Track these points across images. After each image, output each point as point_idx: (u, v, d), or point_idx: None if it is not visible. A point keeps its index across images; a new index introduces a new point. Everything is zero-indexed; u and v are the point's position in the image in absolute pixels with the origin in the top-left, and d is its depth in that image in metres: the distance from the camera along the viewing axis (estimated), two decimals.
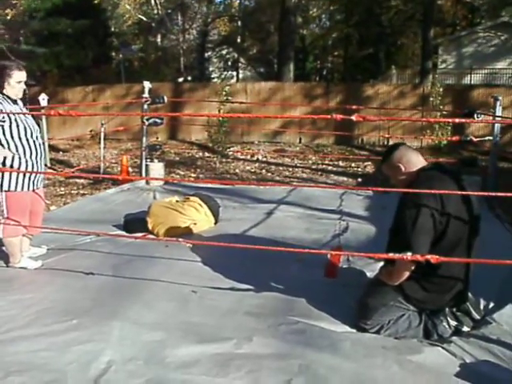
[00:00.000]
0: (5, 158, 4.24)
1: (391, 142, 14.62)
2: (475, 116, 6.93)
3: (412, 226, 3.07)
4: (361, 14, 29.92)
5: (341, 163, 11.97)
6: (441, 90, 13.63)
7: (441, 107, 13.18)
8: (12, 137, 4.24)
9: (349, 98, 14.68)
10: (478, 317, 3.48)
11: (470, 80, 24.44)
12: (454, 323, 3.35)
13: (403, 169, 3.34)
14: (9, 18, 23.48)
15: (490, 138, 7.30)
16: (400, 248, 3.04)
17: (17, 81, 4.29)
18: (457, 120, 3.38)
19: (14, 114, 4.21)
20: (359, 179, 10.12)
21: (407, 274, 3.16)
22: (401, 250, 3.00)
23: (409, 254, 2.97)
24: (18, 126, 4.25)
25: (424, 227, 3.07)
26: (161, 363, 2.98)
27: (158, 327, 3.41)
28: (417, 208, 3.08)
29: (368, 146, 14.48)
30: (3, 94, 4.27)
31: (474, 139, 7.85)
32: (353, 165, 11.70)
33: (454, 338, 3.26)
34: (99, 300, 3.84)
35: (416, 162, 3.34)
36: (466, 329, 3.36)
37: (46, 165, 8.45)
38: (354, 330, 3.40)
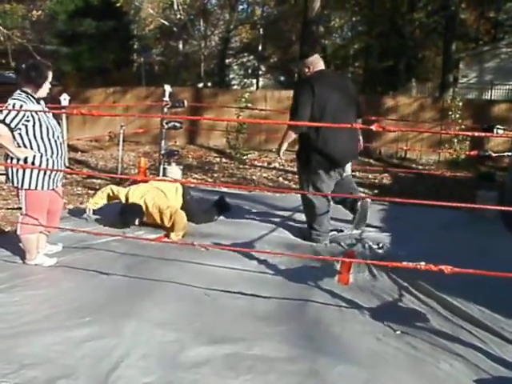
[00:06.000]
0: (26, 157, 4.30)
1: (409, 155, 14.59)
2: (495, 131, 6.90)
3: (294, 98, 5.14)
4: (383, 25, 29.88)
5: (358, 174, 11.93)
6: (460, 104, 13.56)
7: (460, 121, 13.11)
8: (35, 136, 4.30)
9: (368, 109, 14.55)
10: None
11: (491, 95, 24.24)
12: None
13: (310, 69, 5.29)
14: (34, 19, 23.91)
15: (509, 153, 7.26)
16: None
17: (49, 81, 4.46)
18: (476, 134, 3.37)
19: (37, 113, 4.27)
20: (375, 191, 10.08)
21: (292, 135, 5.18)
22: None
23: (422, 263, 3.03)
24: (41, 125, 4.31)
25: (300, 99, 5.05)
26: (172, 362, 3.02)
27: (171, 327, 3.44)
28: (296, 90, 5.26)
29: (386, 158, 14.41)
30: (27, 93, 4.33)
31: (493, 154, 7.80)
32: (370, 176, 11.66)
33: (469, 350, 3.26)
34: (112, 299, 3.88)
35: (317, 68, 5.29)
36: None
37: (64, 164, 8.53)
38: (367, 337, 3.39)
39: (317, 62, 5.31)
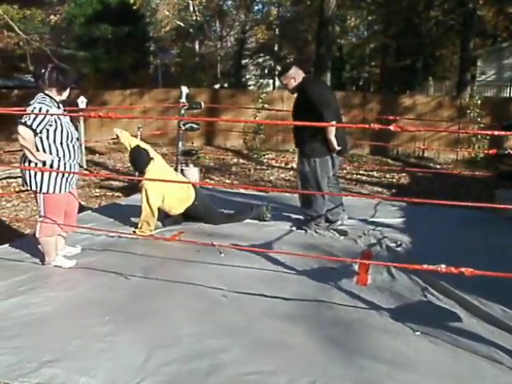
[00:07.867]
0: (45, 162, 4.33)
1: (427, 154, 14.49)
2: None
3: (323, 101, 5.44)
4: (399, 24, 29.70)
5: (375, 174, 11.89)
6: (479, 102, 13.44)
7: (478, 119, 12.99)
8: (54, 141, 4.32)
9: (386, 109, 14.55)
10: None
11: (510, 92, 24.02)
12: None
13: (296, 79, 5.70)
14: (52, 23, 24.18)
15: None
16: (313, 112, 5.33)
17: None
18: (496, 132, 3.33)
19: (59, 118, 4.31)
20: (393, 190, 10.04)
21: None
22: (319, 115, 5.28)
23: (443, 266, 3.00)
24: (62, 130, 4.33)
25: (327, 96, 5.59)
26: (191, 352, 3.10)
27: (189, 324, 3.49)
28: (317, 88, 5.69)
29: (403, 157, 14.33)
30: (50, 97, 4.35)
31: None
32: (387, 175, 11.61)
33: (492, 349, 3.21)
34: (131, 299, 3.90)
35: (300, 76, 5.71)
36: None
37: (81, 166, 8.61)
38: (386, 336, 3.37)
39: (299, 72, 5.76)
